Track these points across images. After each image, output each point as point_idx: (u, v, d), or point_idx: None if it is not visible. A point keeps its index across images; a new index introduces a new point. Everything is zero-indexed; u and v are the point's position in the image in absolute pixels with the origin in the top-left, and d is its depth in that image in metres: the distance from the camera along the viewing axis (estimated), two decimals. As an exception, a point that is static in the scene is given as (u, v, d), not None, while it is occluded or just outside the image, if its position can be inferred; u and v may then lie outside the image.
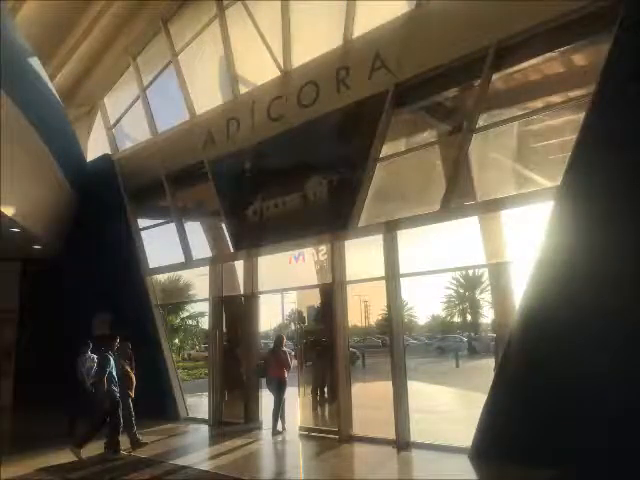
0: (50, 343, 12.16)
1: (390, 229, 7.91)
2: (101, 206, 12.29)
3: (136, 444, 8.08)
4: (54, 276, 12.71)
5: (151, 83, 12.51)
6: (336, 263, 8.55)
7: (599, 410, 5.39)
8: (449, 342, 33.33)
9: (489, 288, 32.47)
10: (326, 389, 9.51)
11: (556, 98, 7.49)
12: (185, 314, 23.86)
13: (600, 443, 5.32)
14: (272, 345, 9.52)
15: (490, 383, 6.53)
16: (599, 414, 5.38)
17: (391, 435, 7.49)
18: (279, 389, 8.84)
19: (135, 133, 13.13)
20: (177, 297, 18.59)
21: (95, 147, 13.94)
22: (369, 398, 10.57)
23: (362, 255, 8.88)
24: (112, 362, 7.84)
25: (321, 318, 9.65)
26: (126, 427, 8.00)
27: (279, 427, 8.76)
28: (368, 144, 8.12)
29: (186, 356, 25.92)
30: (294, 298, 12.56)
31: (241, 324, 10.35)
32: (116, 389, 7.79)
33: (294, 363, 9.38)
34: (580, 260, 5.78)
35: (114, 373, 7.84)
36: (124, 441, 7.96)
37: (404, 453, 7.13)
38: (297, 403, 9.39)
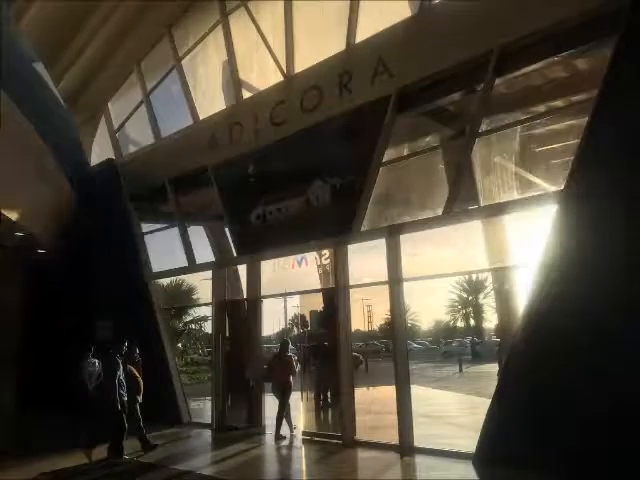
0: (53, 347, 12.16)
1: (393, 233, 7.90)
2: (104, 210, 12.31)
3: (147, 447, 8.11)
4: (57, 280, 12.72)
5: (155, 88, 12.55)
6: (339, 267, 8.54)
7: (604, 414, 5.35)
8: (453, 347, 33.34)
9: (493, 292, 32.41)
10: (329, 394, 9.47)
11: (559, 102, 7.50)
12: (188, 318, 23.88)
13: (605, 448, 5.29)
14: (277, 350, 9.50)
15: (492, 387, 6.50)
16: (604, 419, 5.34)
17: (394, 440, 7.45)
18: (284, 394, 8.80)
19: (139, 138, 13.18)
20: (180, 301, 18.65)
21: (98, 151, 13.97)
22: (372, 403, 10.52)
23: (365, 259, 8.88)
24: (120, 366, 7.88)
25: (324, 322, 9.63)
26: (135, 431, 8.03)
27: (286, 432, 8.73)
28: (371, 149, 8.11)
29: (189, 360, 25.91)
30: (297, 302, 12.56)
31: (244, 328, 10.33)
32: (123, 393, 7.81)
33: (298, 368, 9.34)
34: (584, 264, 5.75)
35: (122, 377, 7.87)
36: (134, 445, 7.99)
37: (407, 458, 7.08)
38: (300, 408, 9.36)
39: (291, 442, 8.56)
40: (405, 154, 8.52)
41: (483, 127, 7.31)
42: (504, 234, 8.05)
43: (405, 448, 7.27)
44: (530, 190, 7.26)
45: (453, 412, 11.86)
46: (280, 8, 9.74)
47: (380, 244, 7.99)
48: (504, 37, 6.86)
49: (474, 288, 41.90)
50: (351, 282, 8.52)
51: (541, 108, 7.58)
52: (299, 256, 9.40)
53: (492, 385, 6.65)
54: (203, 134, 10.94)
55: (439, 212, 7.42)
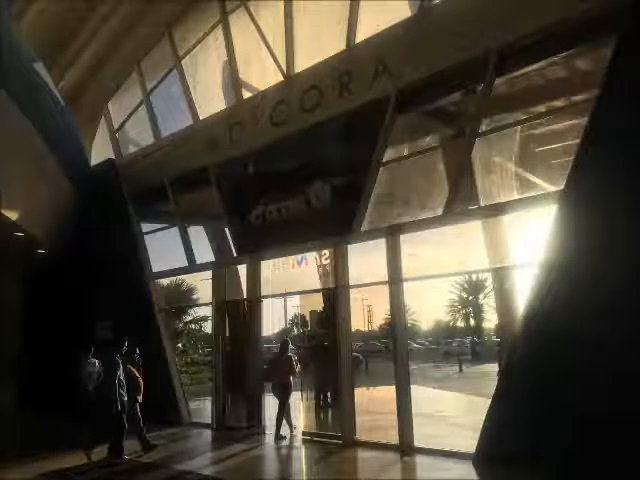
0: (53, 347, 12.16)
1: (393, 233, 7.90)
2: (105, 210, 12.31)
3: (147, 447, 8.15)
4: (57, 280, 12.72)
5: (155, 88, 12.56)
6: (339, 267, 8.54)
7: (604, 415, 5.35)
8: (453, 347, 33.42)
9: (493, 292, 32.40)
10: (329, 394, 9.48)
11: (559, 102, 7.49)
12: (188, 318, 23.85)
13: (605, 447, 5.29)
14: (277, 350, 9.50)
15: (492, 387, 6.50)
16: (604, 419, 5.34)
17: (394, 440, 7.46)
18: (284, 394, 8.80)
19: (139, 138, 13.18)
20: (180, 301, 18.64)
21: (99, 151, 13.98)
22: (372, 403, 10.53)
23: (365, 259, 8.88)
24: (120, 366, 7.89)
25: (324, 322, 9.63)
26: (136, 431, 8.07)
27: (286, 432, 8.73)
28: (371, 149, 8.11)
29: (189, 360, 25.87)
30: (297, 302, 12.57)
31: (244, 328, 10.33)
32: (124, 393, 7.84)
33: (298, 368, 9.35)
34: (584, 264, 5.75)
35: (122, 377, 7.88)
36: (134, 445, 8.01)
37: (407, 458, 7.08)
38: (300, 408, 9.35)
39: (291, 442, 8.57)
40: (405, 154, 8.52)
41: (483, 127, 7.31)
42: (504, 234, 8.05)
43: (405, 448, 7.27)
44: (530, 190, 7.25)
45: (453, 412, 11.86)
46: (280, 8, 9.73)
47: (380, 244, 8.00)
48: (504, 37, 6.86)
49: (474, 288, 41.93)
50: (351, 282, 8.53)
51: (541, 108, 7.58)
52: (299, 256, 9.41)
53: (492, 385, 6.65)
54: (203, 134, 10.95)
55: (439, 212, 7.42)
